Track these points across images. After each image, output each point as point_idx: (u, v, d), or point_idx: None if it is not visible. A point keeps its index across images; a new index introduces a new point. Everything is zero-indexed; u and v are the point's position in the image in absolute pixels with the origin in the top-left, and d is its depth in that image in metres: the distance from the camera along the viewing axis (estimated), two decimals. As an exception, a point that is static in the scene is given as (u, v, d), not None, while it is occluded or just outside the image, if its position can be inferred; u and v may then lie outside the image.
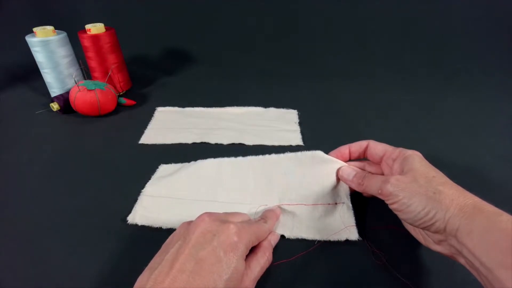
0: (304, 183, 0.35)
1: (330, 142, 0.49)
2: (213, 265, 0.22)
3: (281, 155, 0.37)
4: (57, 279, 0.29)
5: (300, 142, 0.49)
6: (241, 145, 0.48)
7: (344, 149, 0.36)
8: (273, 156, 0.37)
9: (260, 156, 0.38)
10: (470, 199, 0.24)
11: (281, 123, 0.54)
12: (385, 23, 0.79)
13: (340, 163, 0.35)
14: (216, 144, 0.48)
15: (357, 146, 0.35)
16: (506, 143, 0.49)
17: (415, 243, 0.32)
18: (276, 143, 0.48)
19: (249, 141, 0.48)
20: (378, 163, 0.34)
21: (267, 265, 0.27)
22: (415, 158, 0.29)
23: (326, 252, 0.31)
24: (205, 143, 0.48)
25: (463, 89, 0.68)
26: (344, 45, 0.81)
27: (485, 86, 0.69)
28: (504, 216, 0.22)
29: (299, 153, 0.36)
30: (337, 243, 0.32)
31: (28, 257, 0.30)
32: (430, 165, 0.29)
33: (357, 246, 0.32)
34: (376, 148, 0.33)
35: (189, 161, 0.41)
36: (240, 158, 0.38)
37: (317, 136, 0.51)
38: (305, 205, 0.35)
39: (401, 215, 0.27)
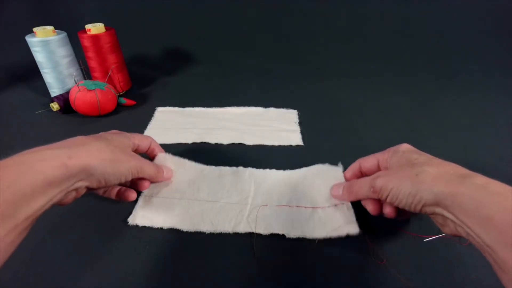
0: (304, 188, 0.37)
1: (330, 142, 0.50)
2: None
3: (280, 171, 0.40)
4: (58, 280, 0.29)
5: (300, 142, 0.49)
6: (241, 145, 0.48)
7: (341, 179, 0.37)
8: (273, 171, 0.40)
9: (261, 170, 0.40)
10: (454, 170, 0.24)
11: (281, 123, 0.54)
12: (385, 23, 0.79)
13: (337, 177, 0.37)
14: (216, 144, 0.48)
15: (351, 171, 0.35)
16: (506, 143, 0.49)
17: (415, 243, 0.32)
18: (276, 143, 0.48)
19: (249, 141, 0.48)
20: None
21: (156, 170, 0.34)
22: (402, 149, 0.30)
23: (326, 252, 0.31)
24: (205, 143, 0.48)
25: (463, 89, 0.68)
26: (344, 45, 0.81)
27: (485, 86, 0.69)
28: (492, 185, 0.22)
29: (297, 170, 0.40)
30: (337, 243, 0.32)
31: (28, 257, 0.30)
32: (415, 150, 0.29)
33: (357, 245, 0.32)
34: (367, 161, 0.33)
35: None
36: (241, 168, 0.40)
37: (317, 136, 0.51)
38: (304, 207, 0.35)
39: (398, 205, 0.27)
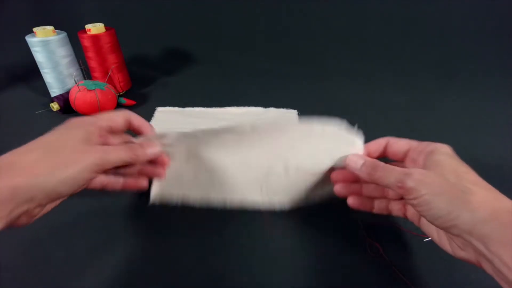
0: (314, 151, 0.34)
1: (330, 142, 0.50)
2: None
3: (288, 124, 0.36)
4: (58, 280, 0.29)
5: (300, 142, 0.48)
6: (241, 145, 0.48)
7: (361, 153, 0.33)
8: (278, 124, 0.35)
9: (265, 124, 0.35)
10: (507, 203, 0.21)
11: (281, 123, 0.54)
12: (385, 23, 0.79)
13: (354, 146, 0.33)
14: (216, 144, 0.48)
15: (376, 145, 0.31)
16: (506, 143, 0.49)
17: (415, 243, 0.32)
18: (276, 143, 0.48)
19: (249, 141, 0.48)
20: (401, 160, 0.30)
21: (130, 153, 0.27)
22: (444, 151, 0.26)
23: (326, 251, 0.31)
24: (205, 143, 0.48)
25: (463, 89, 0.68)
26: (344, 45, 0.81)
27: (485, 86, 0.69)
28: None
29: (305, 125, 0.36)
30: (338, 242, 0.32)
31: (28, 257, 0.30)
32: (460, 160, 0.26)
33: (356, 244, 0.32)
34: (398, 143, 0.30)
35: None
36: (240, 128, 0.33)
37: (317, 136, 0.50)
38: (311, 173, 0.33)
39: (420, 212, 0.24)
